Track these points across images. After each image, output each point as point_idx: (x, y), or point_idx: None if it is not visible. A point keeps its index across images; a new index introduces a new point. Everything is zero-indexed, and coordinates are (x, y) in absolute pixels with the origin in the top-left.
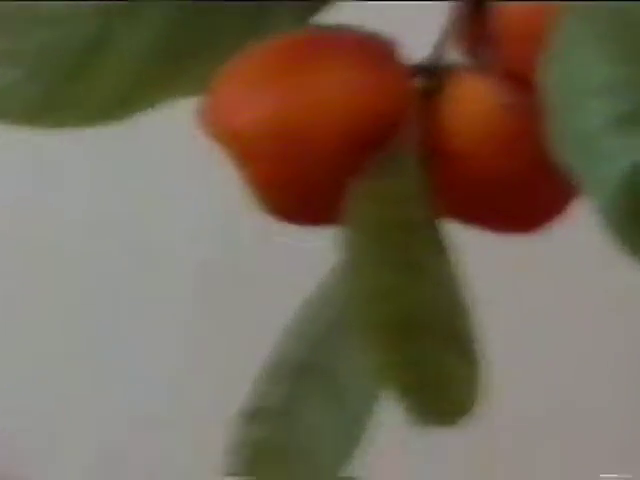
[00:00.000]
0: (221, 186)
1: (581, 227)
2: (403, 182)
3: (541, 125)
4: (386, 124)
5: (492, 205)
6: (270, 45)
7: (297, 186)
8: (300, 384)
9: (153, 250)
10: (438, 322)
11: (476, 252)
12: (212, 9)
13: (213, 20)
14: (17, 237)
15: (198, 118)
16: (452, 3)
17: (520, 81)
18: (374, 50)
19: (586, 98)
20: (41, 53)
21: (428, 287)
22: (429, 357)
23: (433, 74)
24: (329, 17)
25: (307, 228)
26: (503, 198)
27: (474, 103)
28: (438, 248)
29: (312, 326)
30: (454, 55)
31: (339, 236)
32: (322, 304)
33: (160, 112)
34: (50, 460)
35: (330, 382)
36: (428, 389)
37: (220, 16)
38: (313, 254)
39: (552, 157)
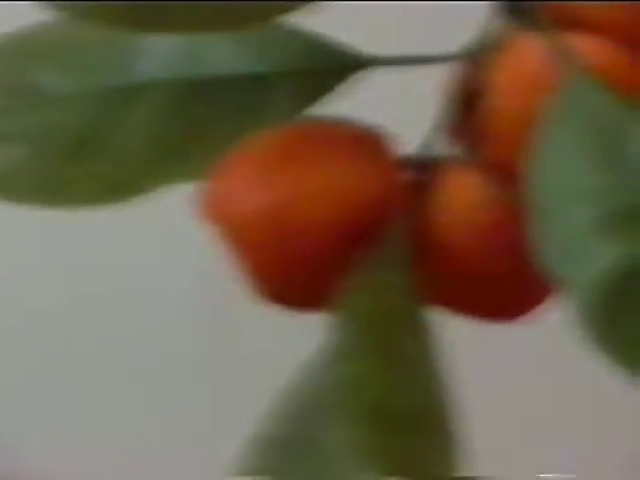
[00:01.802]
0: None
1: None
2: (393, 273)
3: (524, 220)
4: (377, 215)
5: (477, 295)
6: (267, 137)
7: (290, 273)
8: (285, 458)
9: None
10: (421, 410)
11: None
12: (210, 98)
13: (211, 108)
14: None
15: (198, 204)
16: (442, 98)
17: (506, 176)
18: (366, 143)
19: (567, 203)
20: (47, 133)
21: (413, 376)
22: (410, 444)
23: (423, 167)
24: (326, 109)
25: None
26: (488, 289)
27: (461, 196)
28: (425, 337)
29: (300, 402)
30: (444, 148)
31: (329, 322)
32: (310, 381)
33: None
34: None
35: (314, 458)
36: (407, 475)
37: (218, 104)
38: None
39: (533, 255)
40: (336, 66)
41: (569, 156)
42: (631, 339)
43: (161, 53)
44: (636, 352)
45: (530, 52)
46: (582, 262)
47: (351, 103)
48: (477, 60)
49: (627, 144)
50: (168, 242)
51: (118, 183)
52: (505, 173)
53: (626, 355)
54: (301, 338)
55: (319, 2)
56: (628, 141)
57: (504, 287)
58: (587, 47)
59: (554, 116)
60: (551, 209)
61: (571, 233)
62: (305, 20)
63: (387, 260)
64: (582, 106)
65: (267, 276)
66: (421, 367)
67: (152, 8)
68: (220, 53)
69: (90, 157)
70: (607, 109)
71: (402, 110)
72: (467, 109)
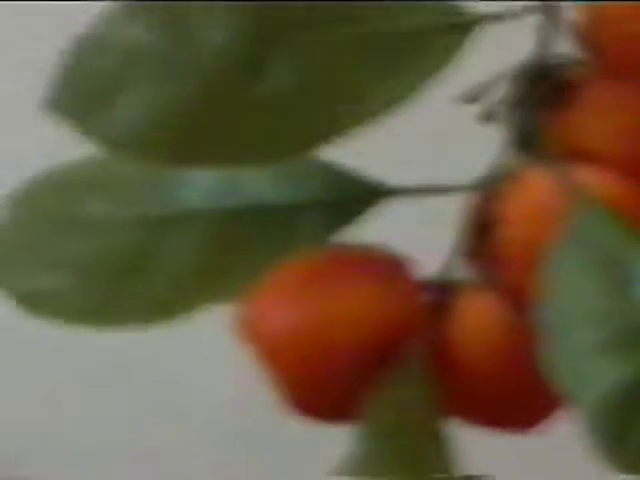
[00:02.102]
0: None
1: None
2: (413, 388)
3: (535, 340)
4: (400, 334)
5: (491, 408)
6: (297, 263)
7: (318, 391)
8: None
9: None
10: None
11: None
12: (246, 226)
13: (247, 235)
14: None
15: (236, 325)
16: (459, 225)
17: (519, 299)
18: (389, 268)
19: (575, 325)
20: (95, 259)
21: None
22: None
23: (441, 289)
24: (351, 235)
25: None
26: (501, 403)
27: (477, 318)
28: (444, 447)
29: None
30: (462, 272)
31: (354, 434)
32: None
33: None
34: None
35: None
36: None
37: (253, 232)
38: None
39: (543, 372)
40: (360, 196)
41: (577, 282)
42: (638, 452)
43: (201, 184)
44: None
45: (538, 183)
46: (589, 380)
47: (374, 230)
48: (490, 190)
49: (632, 274)
50: (211, 358)
51: (162, 304)
52: (518, 296)
53: (634, 468)
54: (335, 450)
55: (345, 137)
56: (633, 272)
57: (516, 401)
58: (593, 178)
59: (563, 244)
60: (560, 330)
61: (578, 353)
62: (332, 152)
63: (408, 376)
64: (590, 235)
65: (297, 392)
66: (438, 474)
67: (191, 145)
68: (255, 185)
69: (136, 281)
70: (614, 239)
71: (422, 236)
72: (482, 236)
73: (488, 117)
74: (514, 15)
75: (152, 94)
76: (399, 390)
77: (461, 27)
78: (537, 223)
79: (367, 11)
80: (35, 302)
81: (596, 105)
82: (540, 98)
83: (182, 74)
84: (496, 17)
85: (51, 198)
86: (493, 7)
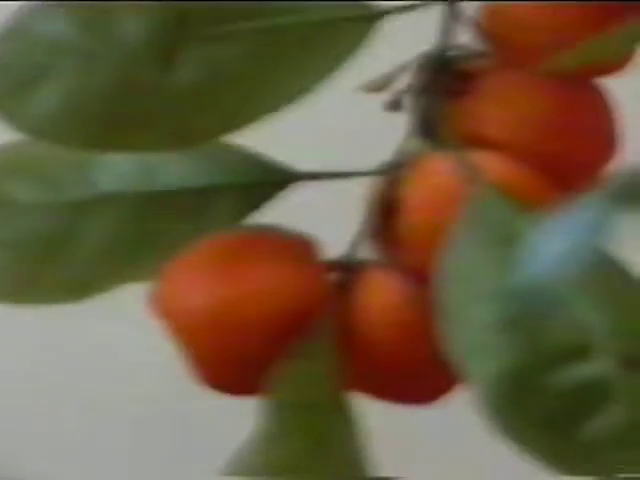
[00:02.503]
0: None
1: None
2: (319, 364)
3: (435, 319)
4: (307, 312)
5: (394, 383)
6: (208, 243)
7: (227, 365)
8: None
9: None
10: None
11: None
12: (161, 209)
13: (161, 218)
14: None
15: (149, 302)
16: (366, 208)
17: (420, 278)
18: (297, 248)
19: (469, 304)
20: (22, 240)
21: (334, 460)
22: None
23: (348, 269)
24: (262, 217)
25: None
26: (403, 378)
27: (379, 296)
28: (347, 423)
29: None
30: (367, 253)
31: (260, 408)
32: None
33: None
34: None
35: None
36: None
37: (167, 214)
38: None
39: (443, 349)
40: (271, 180)
41: (473, 261)
42: (530, 425)
43: (118, 168)
44: (537, 436)
45: (439, 168)
46: (482, 358)
47: (285, 213)
48: (394, 175)
49: (523, 254)
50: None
51: (81, 284)
52: (420, 276)
53: (528, 441)
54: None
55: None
56: (524, 252)
57: (418, 377)
58: (491, 164)
59: (461, 226)
60: (456, 309)
61: (473, 331)
62: (244, 138)
63: (314, 352)
64: (486, 217)
65: (206, 366)
66: (344, 447)
67: (107, 131)
68: (170, 169)
69: (58, 261)
70: (508, 221)
71: (330, 219)
72: (386, 219)
73: (394, 106)
74: (417, 7)
75: (72, 83)
76: (305, 365)
77: (367, 18)
78: (437, 206)
79: (273, 5)
80: None
81: (495, 95)
82: (442, 87)
83: (100, 65)
84: (401, 9)
85: None
86: None
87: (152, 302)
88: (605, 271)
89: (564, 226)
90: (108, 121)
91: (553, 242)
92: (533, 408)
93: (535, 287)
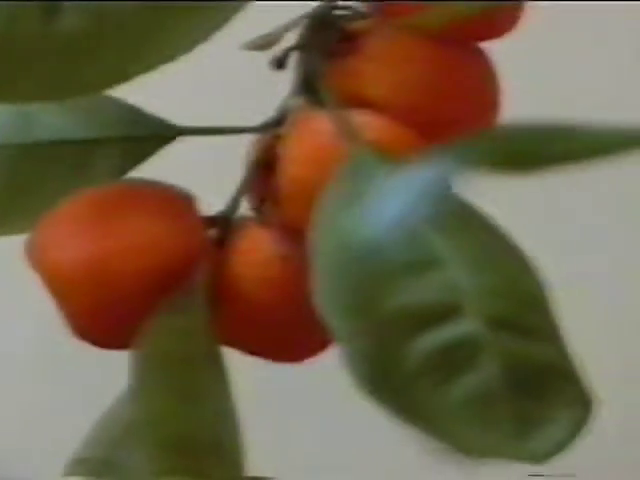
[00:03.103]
0: None
1: None
2: (190, 318)
3: (309, 276)
4: (184, 267)
5: (267, 339)
6: (87, 196)
7: (101, 318)
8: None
9: None
10: (212, 440)
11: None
12: (41, 161)
13: (41, 170)
14: None
15: (25, 252)
16: (246, 165)
17: (297, 236)
18: (176, 203)
19: (335, 260)
20: None
21: (206, 413)
22: (199, 467)
23: (225, 225)
24: (143, 172)
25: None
26: (276, 334)
27: (254, 252)
28: (219, 377)
29: (112, 427)
30: (246, 210)
31: (130, 362)
32: (120, 412)
33: None
34: None
35: (118, 477)
36: None
37: (48, 166)
38: None
39: (315, 306)
40: (153, 134)
41: (337, 219)
42: (394, 387)
43: None
44: (401, 398)
45: (318, 126)
46: (343, 316)
47: (165, 168)
48: (274, 132)
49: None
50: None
51: None
52: (297, 234)
53: (392, 404)
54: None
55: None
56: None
57: (290, 333)
58: (368, 123)
59: (334, 183)
60: (326, 265)
61: (340, 289)
62: (127, 92)
63: (186, 306)
64: (355, 174)
65: (79, 319)
66: (213, 401)
67: None
68: (50, 120)
69: None
70: (374, 176)
71: (210, 174)
72: (265, 176)
73: (279, 63)
74: None
75: None
76: (176, 318)
77: None
78: (316, 164)
79: None
80: None
81: (375, 55)
82: (326, 46)
83: None
84: None
85: None
86: None
87: (27, 252)
88: (465, 225)
89: (406, 182)
90: None
91: (394, 197)
92: (396, 368)
93: (373, 244)
